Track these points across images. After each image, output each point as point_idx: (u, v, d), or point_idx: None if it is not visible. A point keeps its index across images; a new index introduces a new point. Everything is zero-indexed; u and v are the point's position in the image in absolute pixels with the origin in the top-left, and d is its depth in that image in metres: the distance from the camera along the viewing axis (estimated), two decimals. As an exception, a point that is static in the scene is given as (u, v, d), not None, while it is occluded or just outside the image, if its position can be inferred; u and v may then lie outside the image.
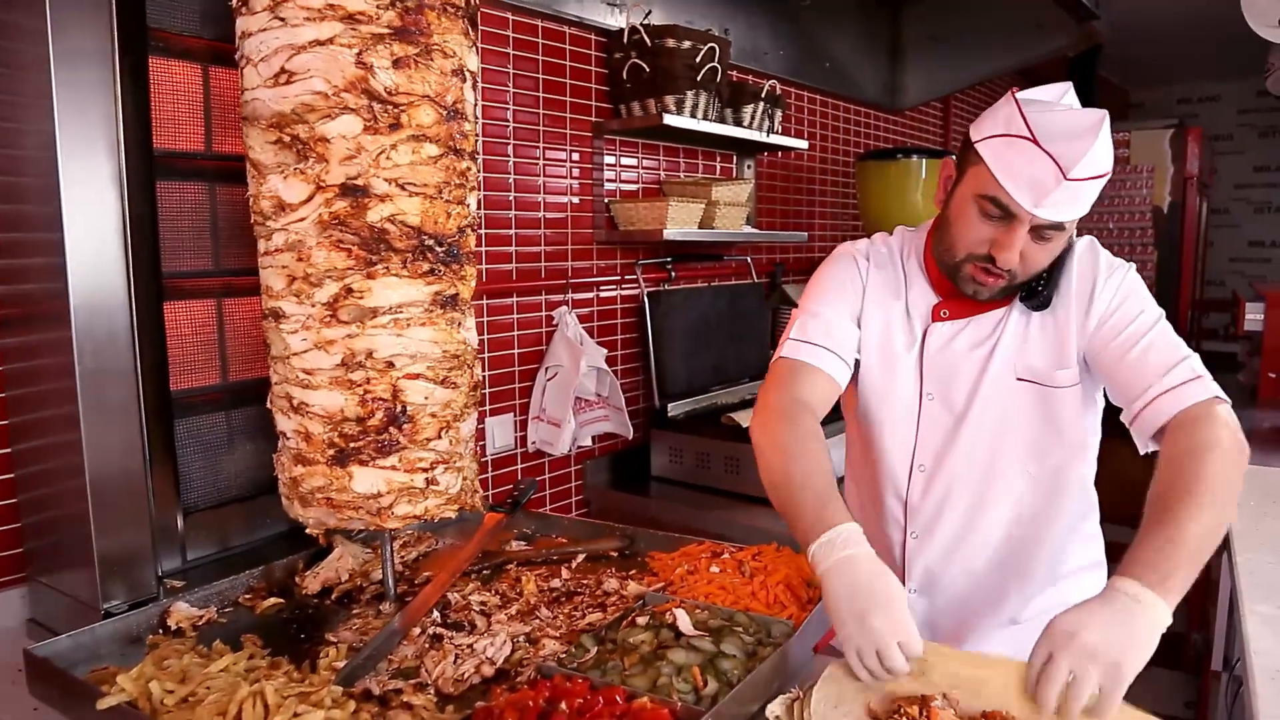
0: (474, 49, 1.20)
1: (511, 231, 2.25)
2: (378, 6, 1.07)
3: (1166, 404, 1.20)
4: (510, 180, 2.23)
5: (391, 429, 1.15)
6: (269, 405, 1.24)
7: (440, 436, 1.20)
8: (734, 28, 2.85)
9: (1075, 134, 1.16)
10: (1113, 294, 1.30)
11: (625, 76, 2.35)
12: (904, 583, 1.45)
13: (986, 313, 1.36)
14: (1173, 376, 1.21)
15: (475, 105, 1.21)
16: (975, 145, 1.24)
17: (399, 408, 1.15)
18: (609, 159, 2.50)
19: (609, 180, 2.51)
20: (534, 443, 2.34)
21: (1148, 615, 0.98)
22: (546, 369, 2.32)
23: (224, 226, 1.48)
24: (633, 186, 2.60)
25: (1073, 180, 1.16)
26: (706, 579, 1.35)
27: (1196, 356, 1.24)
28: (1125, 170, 4.98)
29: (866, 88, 3.72)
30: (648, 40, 2.29)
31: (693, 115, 2.37)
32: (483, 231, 2.17)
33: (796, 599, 1.27)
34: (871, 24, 3.74)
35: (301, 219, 1.10)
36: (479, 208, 2.11)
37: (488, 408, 2.24)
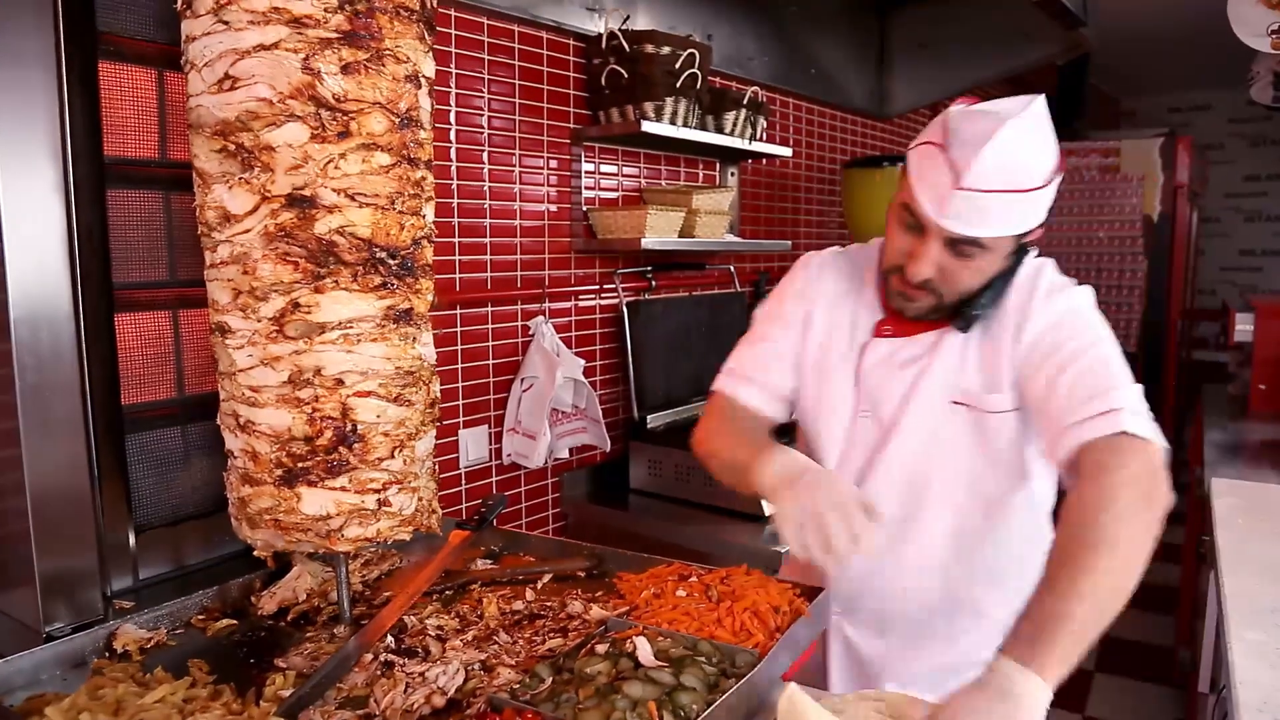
0: (429, 54, 1.16)
1: (487, 240, 2.21)
2: (325, 10, 1.03)
3: (1073, 436, 1.11)
4: (486, 188, 2.19)
5: (341, 448, 1.11)
6: (218, 422, 1.20)
7: (393, 456, 1.15)
8: (717, 33, 2.81)
9: (972, 141, 1.11)
10: (1048, 317, 1.22)
11: (604, 82, 2.31)
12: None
13: (926, 332, 1.31)
14: (1090, 406, 1.11)
15: (430, 112, 1.17)
16: (908, 156, 1.22)
17: (349, 426, 1.11)
18: (587, 166, 2.46)
19: (587, 188, 2.47)
20: (509, 455, 2.30)
21: (1027, 699, 0.92)
22: (522, 380, 2.27)
23: (179, 236, 1.44)
24: (612, 194, 2.56)
25: (965, 190, 1.10)
26: (671, 603, 1.30)
27: (1134, 389, 1.13)
28: (1115, 179, 4.97)
29: (853, 95, 3.69)
30: (626, 46, 2.25)
31: (672, 122, 2.33)
32: (456, 240, 2.13)
33: (764, 626, 1.22)
34: (858, 31, 3.71)
35: (247, 230, 1.06)
36: (456, 217, 2.09)
37: (461, 419, 2.20)
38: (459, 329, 2.17)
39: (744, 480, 1.25)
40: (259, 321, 1.08)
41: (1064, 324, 1.21)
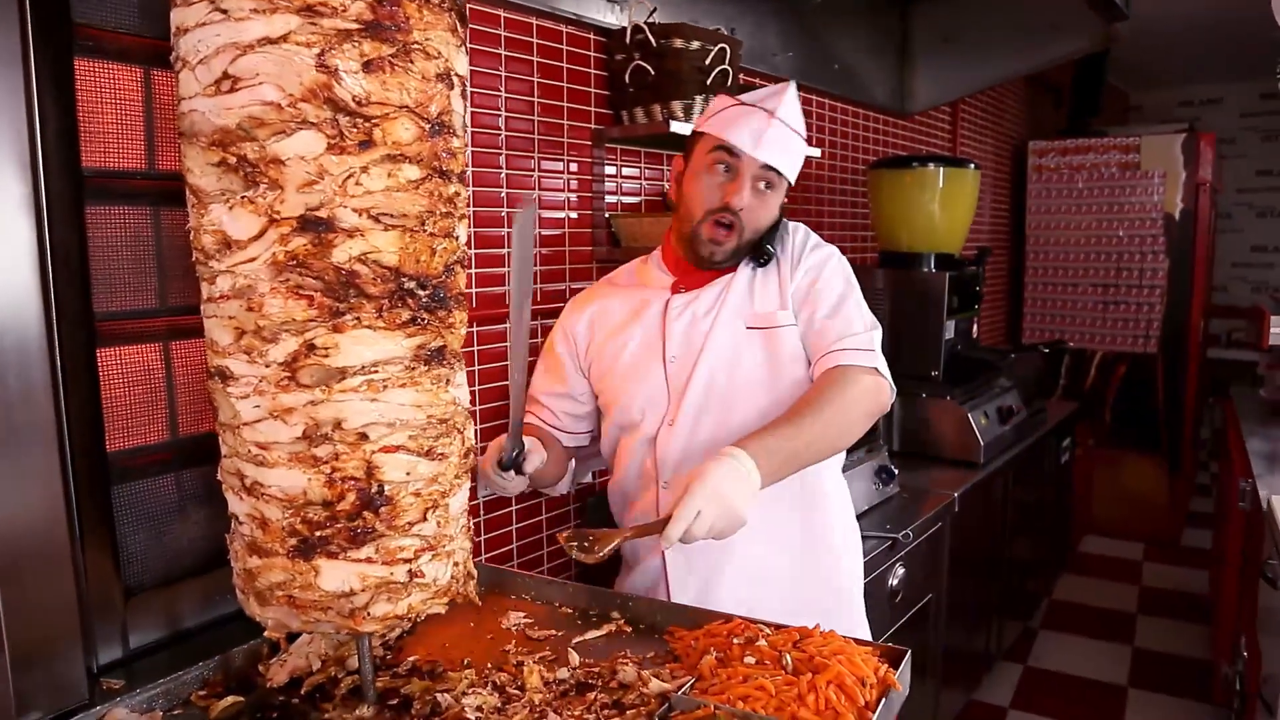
0: (462, 49, 0.99)
1: (504, 251, 2.04)
2: (344, -5, 0.86)
3: (825, 361, 1.46)
4: (503, 195, 2.02)
5: (366, 513, 0.94)
6: (219, 479, 1.03)
7: (425, 519, 0.99)
8: (740, 28, 2.65)
9: (773, 92, 1.50)
10: (815, 261, 1.54)
11: (628, 80, 2.15)
12: None
13: (713, 281, 1.56)
14: (850, 341, 1.46)
15: (465, 117, 1.01)
16: (696, 131, 1.52)
17: (374, 488, 0.94)
18: (609, 170, 2.29)
19: (609, 193, 2.30)
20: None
21: (750, 482, 1.27)
22: (542, 402, 2.10)
23: (170, 258, 1.27)
24: (634, 199, 2.39)
25: (778, 120, 1.45)
26: (741, 674, 1.14)
27: (875, 333, 1.49)
28: (1136, 176, 4.82)
29: (875, 92, 3.53)
30: (652, 40, 2.08)
31: (701, 122, 2.16)
32: (473, 252, 1.96)
33: (853, 704, 1.07)
34: (880, 24, 3.55)
35: (251, 259, 0.89)
36: (472, 227, 1.92)
37: (477, 446, 2.03)
38: (475, 348, 2.00)
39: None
40: (267, 367, 0.91)
41: (826, 270, 1.54)
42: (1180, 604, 4.14)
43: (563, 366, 1.69)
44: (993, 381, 3.25)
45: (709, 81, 2.11)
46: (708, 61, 2.10)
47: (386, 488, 0.95)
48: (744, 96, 1.49)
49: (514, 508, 2.14)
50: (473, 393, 2.00)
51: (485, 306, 2.00)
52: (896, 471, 2.56)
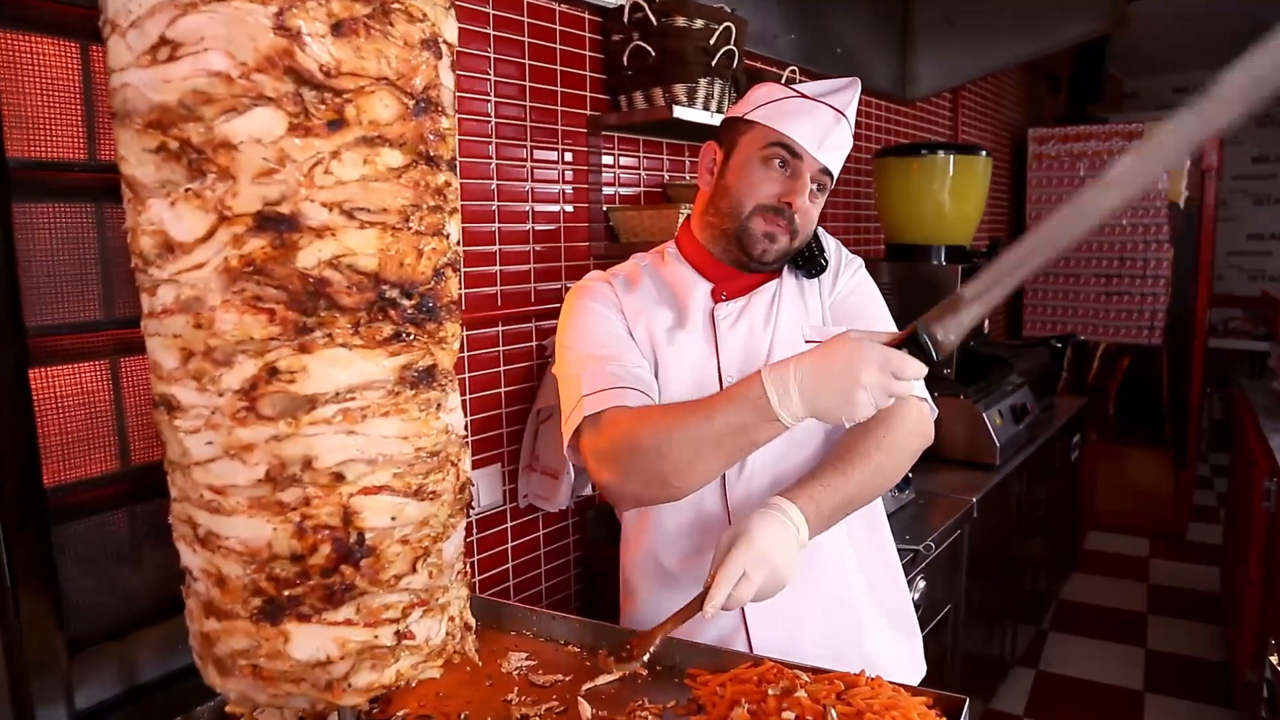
0: (451, 12, 0.83)
1: (495, 248, 1.88)
2: (307, -58, 0.70)
3: None
4: (494, 187, 1.86)
5: (344, 568, 0.79)
6: (170, 522, 0.87)
7: (415, 570, 0.84)
8: (741, 8, 2.49)
9: (839, 88, 1.33)
10: (852, 274, 1.42)
11: (626, 62, 1.99)
12: None
13: (761, 287, 1.38)
14: None
15: (454, 92, 0.85)
16: (745, 118, 1.33)
17: (353, 537, 0.79)
18: (606, 159, 2.14)
19: (606, 184, 2.15)
20: (525, 497, 1.98)
21: (798, 538, 1.16)
22: (539, 411, 1.95)
23: (118, 261, 1.10)
24: (633, 190, 2.24)
25: (847, 123, 1.31)
26: (781, 732, 1.00)
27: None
28: (1139, 163, 4.69)
29: (877, 77, 3.39)
30: (653, 18, 1.93)
31: (705, 107, 2.01)
32: (460, 249, 1.80)
33: (913, 771, 0.92)
34: (881, 7, 3.40)
35: (198, 265, 0.74)
36: (461, 223, 1.76)
37: (470, 459, 1.87)
38: (466, 354, 1.84)
39: (734, 435, 1.14)
40: (220, 395, 0.75)
41: (860, 287, 1.42)
42: (1191, 603, 4.04)
43: (632, 341, 1.35)
44: (1004, 378, 3.12)
45: (713, 63, 1.96)
46: (712, 41, 1.95)
47: (368, 536, 0.80)
48: (803, 88, 1.32)
49: (509, 524, 1.99)
50: (463, 403, 1.84)
51: (476, 309, 1.84)
52: (911, 477, 2.42)
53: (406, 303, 0.80)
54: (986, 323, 3.20)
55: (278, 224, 0.73)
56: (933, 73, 3.62)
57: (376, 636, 0.82)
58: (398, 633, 0.83)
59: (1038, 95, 5.65)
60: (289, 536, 0.78)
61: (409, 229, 0.79)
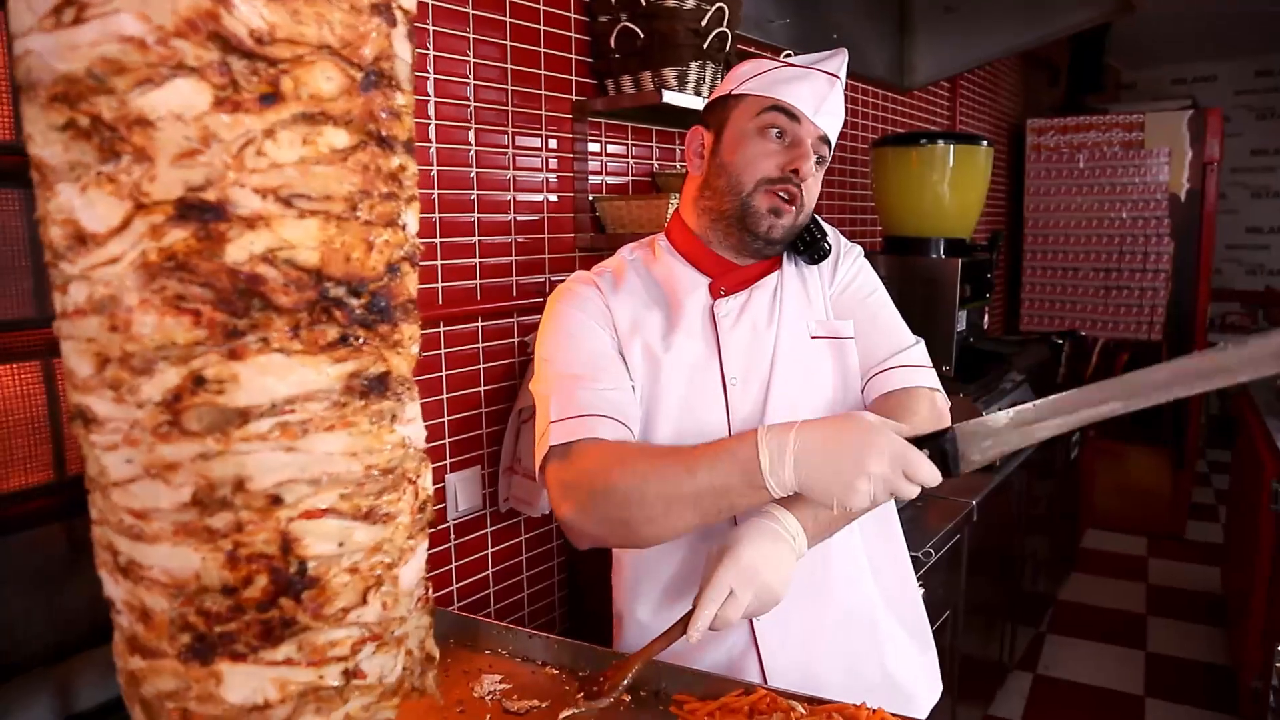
0: (408, -26, 0.74)
1: (474, 240, 1.79)
2: (232, -114, 0.61)
3: (897, 377, 1.25)
4: (473, 175, 1.76)
5: (283, 600, 0.70)
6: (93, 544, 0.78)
7: (366, 601, 0.75)
8: (734, -10, 2.40)
9: (827, 55, 1.26)
10: (852, 263, 1.34)
11: (614, 44, 1.90)
12: None
13: (761, 280, 1.29)
14: (904, 357, 1.27)
15: (412, 65, 0.76)
16: (733, 94, 1.26)
17: (294, 567, 0.70)
18: (593, 146, 2.04)
19: (593, 173, 2.05)
20: (506, 501, 1.90)
21: (794, 549, 1.08)
22: (520, 411, 1.86)
23: (51, 253, 1.01)
24: (620, 179, 2.15)
25: (840, 88, 1.24)
26: (775, 772, 0.92)
27: (920, 345, 1.30)
28: (1140, 155, 4.62)
29: (875, 65, 3.30)
30: (642, -1, 1.84)
31: (696, 92, 1.92)
32: (439, 241, 1.71)
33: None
34: (879, -9, 3.31)
35: (112, 259, 0.64)
36: (437, 212, 1.66)
37: (448, 461, 1.79)
38: (443, 350, 1.75)
39: (719, 498, 1.06)
40: (140, 407, 0.66)
41: (861, 275, 1.33)
42: (1190, 604, 3.97)
43: (620, 356, 1.25)
44: (1004, 376, 3.04)
45: (705, 46, 1.87)
46: (704, 23, 1.86)
47: (310, 565, 0.71)
48: (791, 59, 1.27)
49: (489, 530, 1.90)
50: (439, 403, 1.75)
51: (454, 303, 1.75)
52: (910, 478, 2.34)
53: (354, 302, 0.70)
54: (987, 318, 3.12)
55: (202, 213, 0.64)
56: (931, 61, 3.53)
57: (321, 677, 0.73)
58: (346, 671, 0.74)
59: (1036, 85, 5.57)
60: (219, 567, 0.69)
61: (357, 219, 0.70)
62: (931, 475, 0.98)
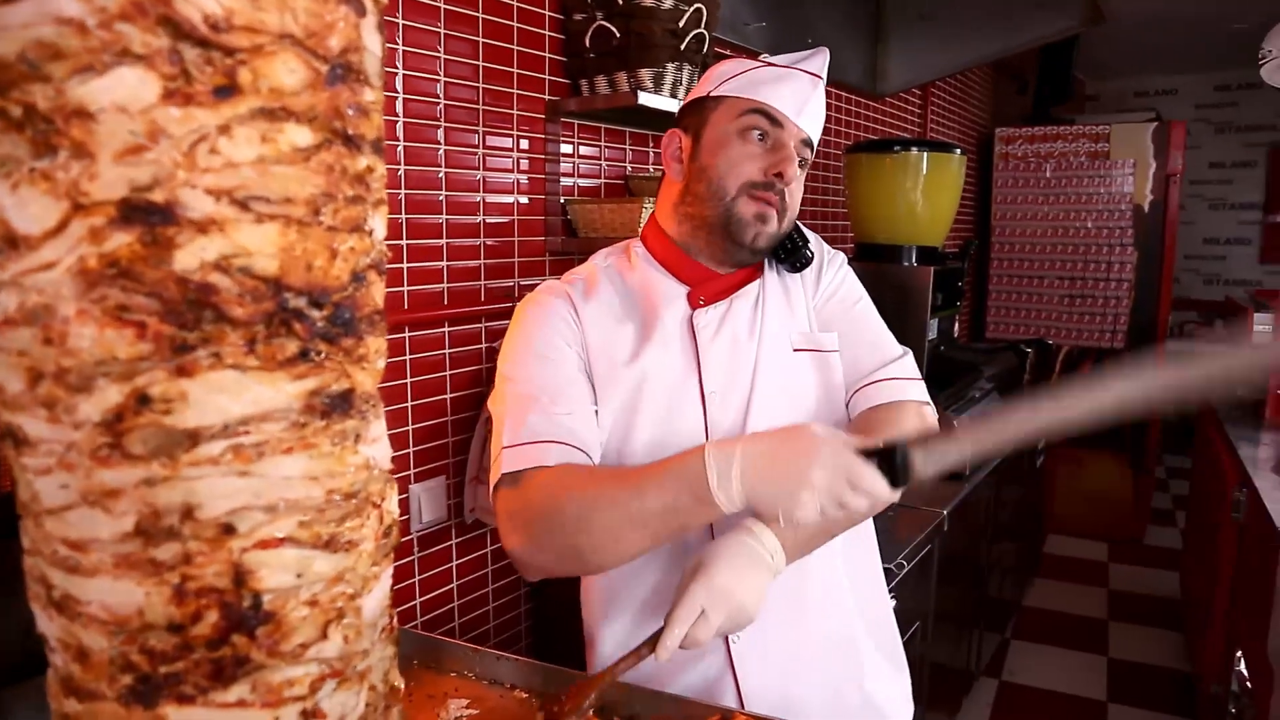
0: (380, -39, 0.69)
1: (442, 242, 1.73)
2: None
3: (885, 391, 1.21)
4: (441, 175, 1.71)
5: (236, 637, 0.65)
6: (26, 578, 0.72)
7: (326, 635, 0.69)
8: (710, -9, 2.36)
9: (808, 55, 1.22)
10: (835, 272, 1.30)
11: (588, 43, 1.85)
12: None
13: (742, 290, 1.25)
14: (892, 369, 1.23)
15: (382, 59, 0.71)
16: (711, 95, 1.22)
17: (247, 601, 0.64)
18: (565, 147, 2.00)
19: (565, 175, 2.01)
20: (472, 512, 1.84)
21: (770, 567, 1.04)
22: (487, 419, 1.81)
23: None
24: (593, 182, 2.10)
25: (822, 89, 1.21)
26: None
27: (910, 354, 1.27)
28: (1105, 165, 4.67)
29: (849, 70, 3.29)
30: (619, -3, 1.79)
31: (673, 94, 1.88)
32: (405, 243, 1.65)
33: None
34: (854, -3, 3.30)
35: (47, 265, 0.59)
36: (404, 213, 1.60)
37: (412, 472, 1.73)
38: (408, 356, 1.69)
39: (666, 516, 1.01)
40: (77, 429, 0.60)
41: (845, 284, 1.30)
42: (1150, 609, 4.02)
43: (585, 376, 1.20)
44: (973, 383, 3.04)
45: (682, 47, 1.83)
46: (682, 24, 1.82)
47: (266, 599, 0.65)
48: (770, 58, 1.23)
49: (454, 541, 1.84)
50: (404, 410, 1.69)
51: (420, 308, 1.69)
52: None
53: (316, 314, 0.65)
54: (957, 326, 3.12)
55: (149, 215, 0.58)
56: (904, 68, 3.53)
57: (278, 718, 0.68)
58: (304, 712, 0.69)
59: (1004, 95, 5.61)
60: (165, 602, 0.63)
61: (319, 224, 0.64)
62: (878, 486, 0.94)
